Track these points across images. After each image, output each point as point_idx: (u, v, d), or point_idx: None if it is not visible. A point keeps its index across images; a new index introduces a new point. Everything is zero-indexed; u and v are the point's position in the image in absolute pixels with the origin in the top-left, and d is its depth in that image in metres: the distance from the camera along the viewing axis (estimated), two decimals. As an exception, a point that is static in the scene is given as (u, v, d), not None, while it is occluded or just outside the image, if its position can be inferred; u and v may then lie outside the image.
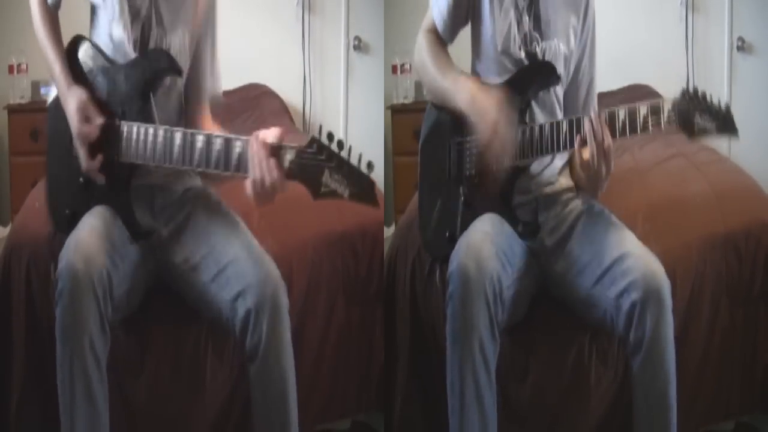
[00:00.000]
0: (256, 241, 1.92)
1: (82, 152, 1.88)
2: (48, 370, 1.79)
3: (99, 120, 1.88)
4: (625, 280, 1.82)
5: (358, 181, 1.53)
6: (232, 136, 1.73)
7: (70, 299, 1.71)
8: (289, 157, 1.59)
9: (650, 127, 1.81)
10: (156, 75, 1.91)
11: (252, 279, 1.82)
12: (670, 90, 3.93)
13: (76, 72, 1.93)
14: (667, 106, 1.80)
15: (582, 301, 1.92)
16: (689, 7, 3.86)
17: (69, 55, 1.95)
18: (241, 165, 1.70)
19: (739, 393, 2.20)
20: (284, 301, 1.83)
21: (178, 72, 1.94)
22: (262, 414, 1.85)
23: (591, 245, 1.92)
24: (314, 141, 1.57)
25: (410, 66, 3.92)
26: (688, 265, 2.11)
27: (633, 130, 1.82)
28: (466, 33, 2.07)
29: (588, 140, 1.83)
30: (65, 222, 1.91)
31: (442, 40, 2.05)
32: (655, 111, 1.81)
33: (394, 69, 3.91)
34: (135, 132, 1.87)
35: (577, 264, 1.93)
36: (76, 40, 1.97)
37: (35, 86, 3.71)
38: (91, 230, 1.80)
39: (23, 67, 3.66)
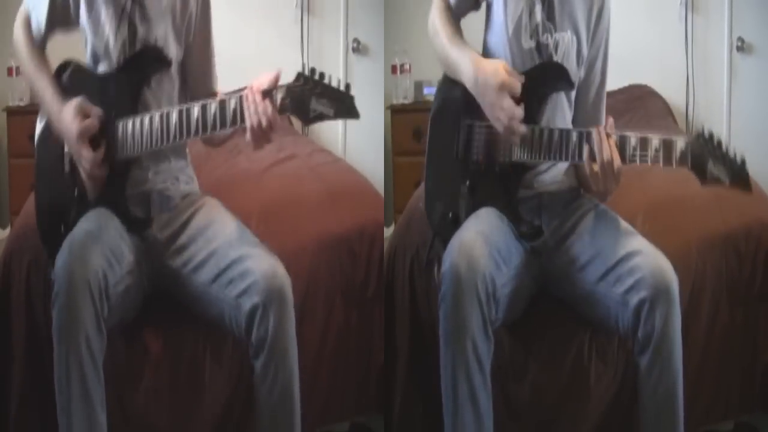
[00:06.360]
0: (256, 239, 1.93)
1: (84, 151, 1.89)
2: (48, 373, 1.79)
3: (97, 113, 1.91)
4: (633, 277, 1.81)
5: (341, 100, 1.68)
6: (225, 96, 1.81)
7: (66, 299, 1.71)
8: (280, 95, 1.72)
9: (661, 162, 1.81)
10: (144, 75, 1.95)
11: (258, 275, 1.82)
12: (669, 89, 3.95)
13: (66, 93, 1.96)
14: (680, 145, 1.80)
15: (584, 298, 1.92)
16: (689, 7, 3.86)
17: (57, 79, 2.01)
18: (237, 118, 1.79)
19: (739, 393, 2.20)
20: (290, 296, 1.83)
21: (166, 64, 1.97)
22: (268, 411, 1.84)
23: (595, 242, 1.92)
24: (300, 75, 1.70)
25: (410, 66, 3.92)
26: (687, 265, 2.10)
27: (643, 159, 1.82)
28: (478, 18, 2.07)
29: (596, 156, 1.83)
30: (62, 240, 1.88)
31: (454, 12, 2.05)
32: (668, 147, 1.80)
33: (393, 69, 3.90)
34: (130, 126, 1.90)
35: (579, 260, 1.92)
36: (63, 67, 2.02)
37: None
38: (86, 232, 1.81)
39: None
